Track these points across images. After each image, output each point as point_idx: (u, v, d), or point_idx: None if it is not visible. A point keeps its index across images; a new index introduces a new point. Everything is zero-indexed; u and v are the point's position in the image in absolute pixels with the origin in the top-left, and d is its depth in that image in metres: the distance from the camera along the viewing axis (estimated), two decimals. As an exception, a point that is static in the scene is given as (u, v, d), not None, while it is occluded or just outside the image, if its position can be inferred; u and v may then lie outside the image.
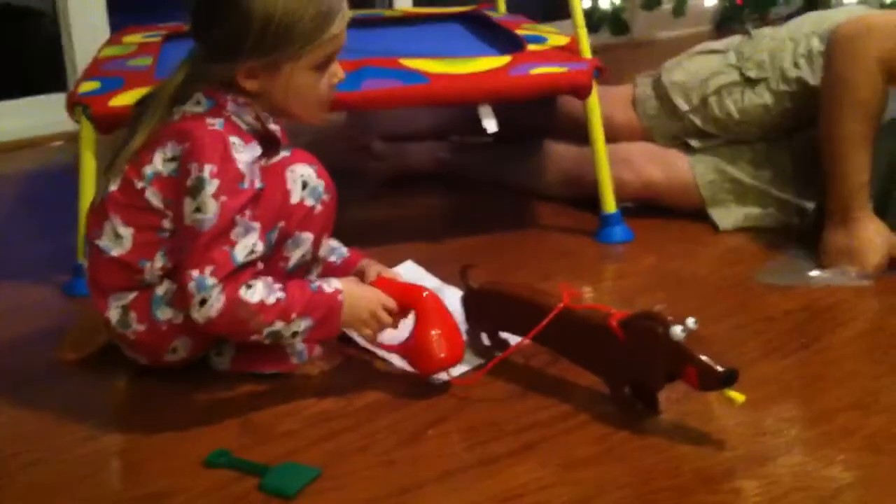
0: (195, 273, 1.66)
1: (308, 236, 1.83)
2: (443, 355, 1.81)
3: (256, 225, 1.72)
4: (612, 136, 2.54)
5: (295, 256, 1.83)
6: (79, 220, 2.15)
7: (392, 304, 1.83)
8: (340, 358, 1.94)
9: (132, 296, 1.80)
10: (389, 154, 2.93)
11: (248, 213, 1.71)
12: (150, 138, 1.77)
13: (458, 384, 1.84)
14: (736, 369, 1.62)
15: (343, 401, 1.81)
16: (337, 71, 1.82)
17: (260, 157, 1.78)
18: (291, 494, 1.55)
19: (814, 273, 2.27)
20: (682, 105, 2.62)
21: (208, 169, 1.69)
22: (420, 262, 2.23)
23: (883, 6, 4.49)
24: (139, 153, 1.77)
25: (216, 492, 1.58)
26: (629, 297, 2.22)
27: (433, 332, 1.81)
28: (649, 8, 4.55)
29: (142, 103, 1.82)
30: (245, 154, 1.73)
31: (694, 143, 2.62)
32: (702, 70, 2.63)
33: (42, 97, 3.48)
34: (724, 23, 4.74)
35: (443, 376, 1.84)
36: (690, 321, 1.64)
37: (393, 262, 2.12)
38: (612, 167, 2.49)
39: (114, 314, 1.81)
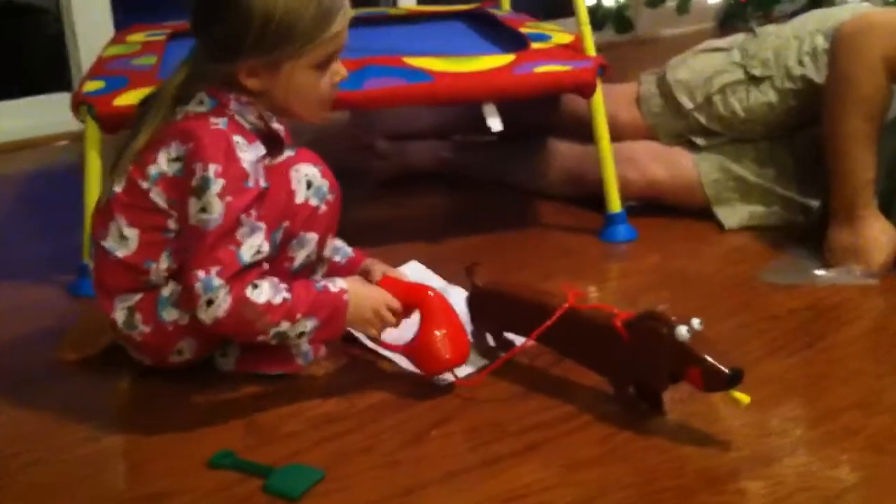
0: (201, 274, 1.66)
1: (313, 236, 1.83)
2: (448, 356, 1.81)
3: (262, 225, 1.72)
4: (616, 135, 2.53)
5: (300, 257, 1.83)
6: (84, 219, 2.15)
7: (396, 303, 1.82)
8: (345, 359, 1.94)
9: (138, 297, 1.79)
10: (392, 153, 2.93)
11: (253, 212, 1.71)
12: (153, 138, 1.76)
13: (462, 385, 1.84)
14: (741, 370, 1.61)
15: (347, 402, 1.81)
16: (339, 69, 1.81)
17: (264, 157, 1.77)
18: (296, 496, 1.55)
19: (819, 272, 2.27)
20: (687, 103, 2.62)
21: (213, 168, 1.69)
22: (423, 261, 2.22)
23: (887, 3, 4.48)
24: (143, 153, 1.77)
25: (220, 493, 1.58)
26: (633, 296, 2.22)
27: (438, 333, 1.81)
28: (653, 5, 4.55)
29: (145, 103, 1.82)
30: (249, 153, 1.73)
31: (699, 141, 2.61)
32: (706, 68, 2.63)
33: (46, 96, 3.48)
34: (728, 20, 4.73)
35: (447, 377, 1.84)
36: (695, 322, 1.64)
37: (396, 262, 2.12)
38: (616, 166, 2.48)
39: (120, 315, 1.81)
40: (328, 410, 1.79)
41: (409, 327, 1.85)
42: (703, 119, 2.60)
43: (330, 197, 1.85)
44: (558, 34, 2.71)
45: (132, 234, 1.77)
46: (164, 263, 1.77)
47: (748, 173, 2.55)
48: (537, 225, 2.63)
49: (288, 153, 1.83)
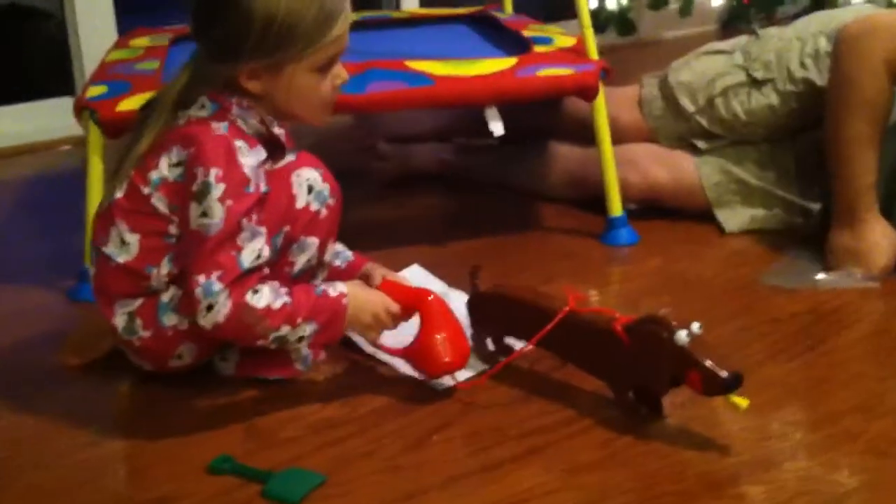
0: (202, 278, 1.66)
1: (313, 241, 1.83)
2: (448, 359, 1.81)
3: (263, 229, 1.72)
4: (618, 137, 2.53)
5: (300, 261, 1.83)
6: (85, 224, 2.15)
7: (396, 307, 1.83)
8: (345, 363, 1.94)
9: (138, 302, 1.80)
10: (394, 155, 2.93)
11: (254, 217, 1.71)
12: (155, 143, 1.77)
13: (463, 388, 1.84)
14: (740, 374, 1.61)
15: (348, 406, 1.81)
16: (340, 72, 1.82)
17: (265, 161, 1.78)
18: (296, 501, 1.55)
19: (820, 275, 2.27)
20: (688, 106, 2.62)
21: (214, 173, 1.69)
22: (424, 264, 2.23)
23: (891, 5, 4.48)
24: (144, 158, 1.77)
25: (220, 497, 1.58)
26: (635, 299, 2.22)
27: (438, 336, 1.81)
28: (656, 8, 4.55)
29: (146, 108, 1.82)
30: (250, 158, 1.73)
31: (700, 144, 2.61)
32: (708, 71, 2.62)
33: (49, 101, 3.48)
34: (731, 22, 4.73)
35: (448, 381, 1.84)
36: (695, 326, 1.64)
37: (397, 264, 2.12)
38: (617, 168, 2.48)
39: (120, 321, 1.81)
40: (329, 415, 1.79)
41: (408, 331, 1.85)
42: (704, 122, 2.60)
43: (331, 201, 1.85)
44: (561, 37, 2.72)
45: (133, 239, 1.77)
46: (164, 269, 1.77)
47: (749, 176, 2.55)
48: (539, 228, 2.63)
49: (289, 157, 1.83)
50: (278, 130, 1.82)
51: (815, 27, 2.55)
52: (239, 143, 1.73)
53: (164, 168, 1.75)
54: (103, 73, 2.48)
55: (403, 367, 1.89)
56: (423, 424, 1.76)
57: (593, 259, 2.44)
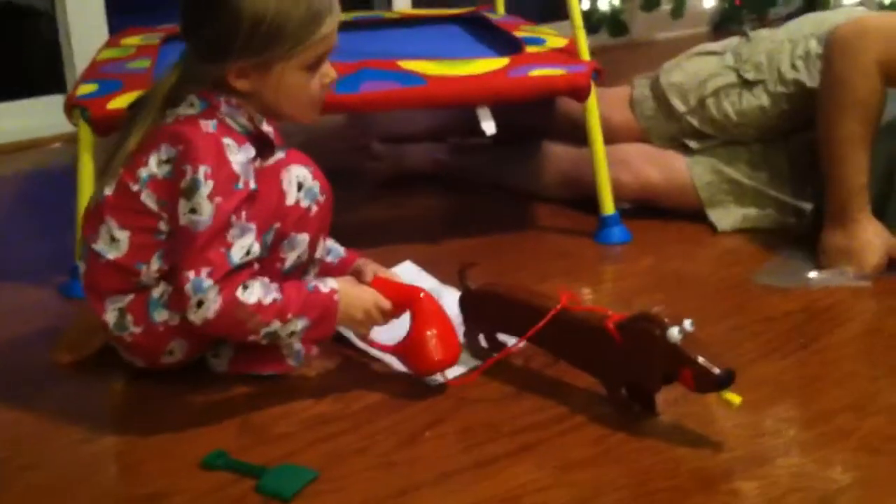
0: (191, 274, 1.66)
1: (304, 237, 1.83)
2: (438, 357, 1.81)
3: (252, 226, 1.72)
4: (610, 137, 2.53)
5: (291, 258, 1.83)
6: (76, 221, 2.15)
7: (387, 304, 1.83)
8: (338, 359, 1.94)
9: (129, 298, 1.79)
10: (388, 155, 2.94)
11: (243, 214, 1.71)
12: (144, 141, 1.77)
13: (454, 385, 1.84)
14: (733, 371, 1.62)
15: (341, 402, 1.81)
16: (328, 71, 1.82)
17: (254, 159, 1.78)
18: (288, 497, 1.55)
19: (812, 274, 2.27)
20: (680, 106, 2.62)
21: (203, 170, 1.69)
22: (418, 262, 2.23)
23: (882, 7, 4.49)
24: (133, 156, 1.77)
25: (213, 493, 1.58)
26: (628, 298, 2.22)
27: (429, 333, 1.81)
28: (648, 9, 4.56)
29: (135, 106, 1.82)
30: (239, 155, 1.73)
31: (692, 144, 2.62)
32: (700, 71, 2.63)
33: (41, 98, 3.48)
34: (723, 24, 4.74)
35: (439, 377, 1.84)
36: (687, 323, 1.64)
37: (391, 263, 2.12)
38: (610, 168, 2.49)
39: (111, 317, 1.81)
40: (322, 411, 1.79)
41: (400, 328, 1.85)
42: (695, 122, 2.61)
43: (321, 198, 1.85)
44: (553, 38, 2.72)
45: (123, 236, 1.77)
46: (155, 265, 1.77)
47: (741, 176, 2.55)
48: (533, 227, 2.63)
49: (279, 155, 1.83)
50: (267, 128, 1.82)
51: (807, 29, 2.56)
52: (227, 141, 1.73)
53: (154, 165, 1.75)
54: (94, 71, 2.48)
55: (395, 364, 1.89)
56: (416, 420, 1.76)
57: (587, 258, 2.45)
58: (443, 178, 2.92)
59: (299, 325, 1.73)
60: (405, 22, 3.18)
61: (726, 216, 2.56)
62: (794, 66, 2.51)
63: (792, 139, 2.55)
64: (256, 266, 1.73)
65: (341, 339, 1.95)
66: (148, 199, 1.76)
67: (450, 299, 1.97)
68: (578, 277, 2.33)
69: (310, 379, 1.88)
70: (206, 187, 1.69)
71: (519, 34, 2.76)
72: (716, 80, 2.59)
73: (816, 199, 2.44)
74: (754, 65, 2.56)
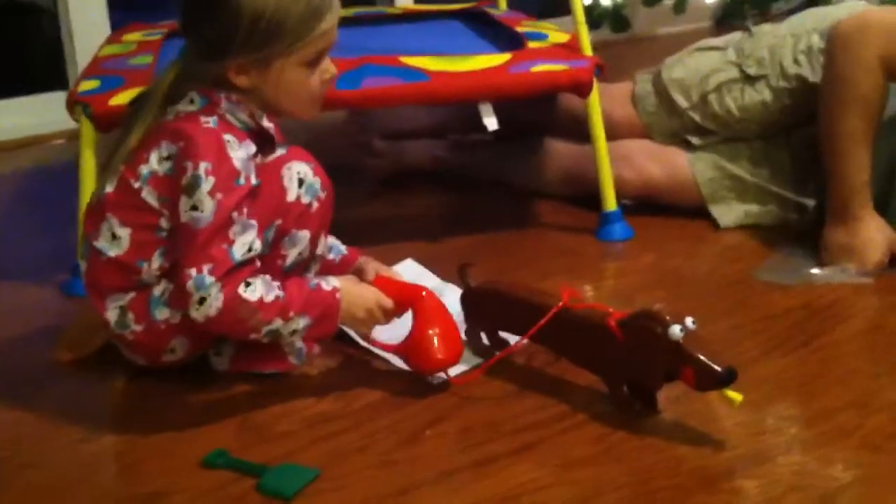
0: (193, 271, 1.66)
1: (305, 234, 1.83)
2: (441, 355, 1.81)
3: (254, 222, 1.72)
4: (611, 133, 2.53)
5: (292, 254, 1.83)
6: (78, 218, 2.15)
7: (389, 303, 1.83)
8: (340, 357, 1.94)
9: (130, 296, 1.79)
10: (389, 152, 2.93)
11: (244, 210, 1.71)
12: (144, 138, 1.77)
13: (456, 383, 1.83)
14: (734, 369, 1.61)
15: (342, 401, 1.81)
16: (328, 67, 1.82)
17: (255, 155, 1.77)
18: (289, 496, 1.55)
19: (814, 270, 2.27)
20: (682, 102, 2.62)
21: (203, 167, 1.69)
22: (420, 260, 2.23)
23: (884, 2, 4.48)
24: (134, 153, 1.77)
25: (214, 492, 1.58)
26: (629, 295, 2.22)
27: (431, 332, 1.81)
28: (650, 4, 4.55)
29: (136, 103, 1.82)
30: (240, 151, 1.73)
31: (693, 140, 2.61)
32: (701, 67, 2.62)
33: (43, 95, 3.48)
34: (725, 19, 4.73)
35: (441, 375, 1.84)
36: (689, 321, 1.64)
37: (392, 261, 2.12)
38: (612, 165, 2.48)
39: (112, 315, 1.80)
40: (323, 409, 1.79)
41: (402, 327, 1.85)
42: (698, 118, 2.60)
43: (322, 194, 1.85)
44: (555, 33, 2.72)
45: (124, 233, 1.77)
46: (156, 262, 1.77)
47: (743, 172, 2.55)
48: (534, 224, 2.63)
49: (279, 151, 1.83)
50: (268, 124, 1.82)
51: (809, 24, 2.56)
52: (228, 137, 1.73)
53: (154, 162, 1.75)
54: (96, 67, 2.48)
55: (397, 362, 1.89)
56: (417, 419, 1.76)
57: (588, 255, 2.44)
58: (444, 174, 2.91)
59: (301, 323, 1.73)
60: (407, 17, 3.17)
61: (728, 212, 2.55)
62: (796, 61, 2.50)
63: (794, 135, 2.55)
64: (258, 263, 1.73)
65: (342, 338, 1.95)
66: (149, 196, 1.75)
67: (451, 297, 1.97)
68: (580, 274, 2.33)
69: (311, 377, 1.88)
70: (208, 184, 1.68)
71: (521, 30, 2.76)
72: (718, 75, 2.59)
73: (818, 195, 2.44)
74: (756, 60, 2.55)
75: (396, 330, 1.86)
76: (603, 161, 2.47)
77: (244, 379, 1.87)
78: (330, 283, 1.78)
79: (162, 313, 1.78)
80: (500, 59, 2.44)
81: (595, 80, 2.42)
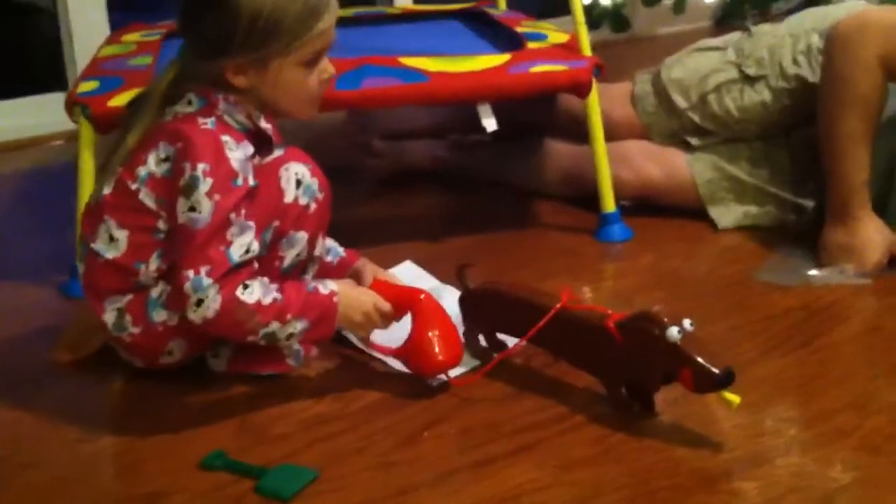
0: (191, 273, 1.66)
1: (303, 235, 1.83)
2: (441, 357, 1.81)
3: (252, 224, 1.72)
4: (611, 133, 2.53)
5: (290, 256, 1.83)
6: (77, 220, 2.15)
7: (387, 307, 1.82)
8: (338, 359, 1.94)
9: (127, 298, 1.79)
10: (388, 152, 2.93)
11: (242, 212, 1.71)
12: (142, 139, 1.77)
13: (456, 385, 1.83)
14: (732, 371, 1.61)
15: (340, 402, 1.81)
16: (326, 67, 1.82)
17: (253, 156, 1.77)
18: (287, 497, 1.55)
19: (812, 271, 2.27)
20: (681, 102, 2.62)
21: (201, 168, 1.69)
22: (419, 261, 2.23)
23: (883, 2, 4.48)
24: (132, 154, 1.77)
25: (212, 493, 1.58)
26: (628, 296, 2.22)
27: (431, 334, 1.81)
28: (650, 4, 4.55)
29: (134, 104, 1.82)
30: (238, 152, 1.73)
31: (693, 140, 2.61)
32: (701, 67, 2.62)
33: (42, 96, 3.48)
34: (725, 19, 4.73)
35: (441, 377, 1.84)
36: (687, 322, 1.64)
37: (392, 261, 2.12)
38: (610, 166, 2.48)
39: (110, 317, 1.80)
40: (321, 411, 1.79)
41: (400, 330, 1.85)
42: (697, 118, 2.60)
43: (320, 195, 1.85)
44: (554, 33, 2.72)
45: (122, 235, 1.77)
46: (153, 264, 1.77)
47: (742, 173, 2.55)
48: (534, 225, 2.63)
49: (277, 152, 1.83)
50: (266, 125, 1.82)
51: (808, 24, 2.56)
52: (226, 138, 1.73)
53: (152, 163, 1.75)
54: (95, 68, 2.48)
55: (396, 365, 1.89)
56: (416, 420, 1.76)
57: (587, 256, 2.44)
58: (443, 175, 2.91)
59: (298, 326, 1.73)
60: (406, 18, 3.17)
61: (727, 213, 2.55)
62: (795, 62, 2.50)
63: (793, 136, 2.55)
64: (256, 265, 1.73)
65: (341, 340, 1.94)
66: (146, 198, 1.75)
67: (450, 299, 1.97)
68: (579, 275, 2.33)
69: (309, 379, 1.88)
70: (205, 185, 1.68)
71: (520, 30, 2.76)
72: (717, 75, 2.59)
73: (817, 196, 2.44)
74: (756, 60, 2.55)
75: (394, 333, 1.86)
76: (602, 162, 2.47)
77: (242, 380, 1.86)
78: (327, 286, 1.78)
79: (160, 315, 1.78)
80: (499, 59, 2.44)
81: (594, 80, 2.41)
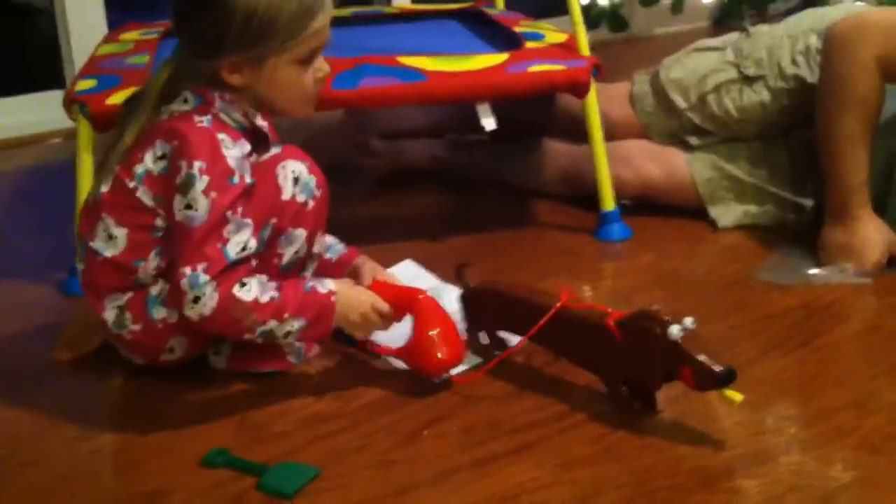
0: (188, 270, 1.66)
1: (301, 233, 1.83)
2: (442, 356, 1.80)
3: (249, 221, 1.72)
4: (609, 134, 2.53)
5: (288, 253, 1.82)
6: (75, 218, 2.15)
7: (385, 307, 1.82)
8: (338, 357, 1.94)
9: (127, 296, 1.79)
10: (387, 151, 2.93)
11: (239, 209, 1.70)
12: (139, 138, 1.77)
13: (458, 382, 1.83)
14: (734, 369, 1.61)
15: (340, 400, 1.81)
16: (322, 65, 1.82)
17: (250, 154, 1.77)
18: (289, 494, 1.55)
19: (812, 271, 2.27)
20: (680, 102, 2.62)
21: (198, 166, 1.69)
22: (418, 260, 2.22)
23: (881, 3, 4.48)
24: (129, 153, 1.77)
25: (213, 491, 1.58)
26: (628, 295, 2.22)
27: (432, 334, 1.80)
28: (647, 4, 4.56)
29: (130, 102, 1.82)
30: (234, 150, 1.73)
31: (692, 140, 2.61)
32: (700, 67, 2.62)
33: (41, 94, 3.47)
34: (723, 19, 4.74)
35: (443, 375, 1.84)
36: (688, 321, 1.64)
37: (390, 260, 2.12)
38: (610, 165, 2.48)
39: (110, 315, 1.80)
40: (321, 409, 1.79)
41: (398, 329, 1.85)
42: (696, 118, 2.60)
43: (318, 193, 1.85)
44: (552, 33, 2.72)
45: (120, 233, 1.77)
46: (152, 262, 1.77)
47: (741, 173, 2.55)
48: (532, 224, 2.63)
49: (274, 150, 1.83)
50: (262, 123, 1.82)
51: (807, 25, 2.56)
52: (222, 136, 1.73)
53: (149, 161, 1.75)
54: (93, 66, 2.48)
55: (396, 363, 1.89)
56: (416, 419, 1.75)
57: (587, 255, 2.44)
58: (441, 174, 2.91)
59: (296, 325, 1.72)
60: (404, 17, 3.17)
61: (727, 213, 2.55)
62: (794, 62, 2.50)
63: (792, 136, 2.55)
64: (254, 262, 1.73)
65: (342, 339, 1.94)
66: (144, 196, 1.75)
67: (451, 297, 1.97)
68: (579, 275, 2.33)
69: (310, 377, 1.88)
70: (202, 182, 1.68)
71: (518, 29, 2.76)
72: (716, 75, 2.59)
73: (817, 195, 2.44)
74: (755, 60, 2.55)
75: (393, 331, 1.86)
76: (601, 161, 2.47)
77: (242, 378, 1.86)
78: (326, 285, 1.77)
79: (159, 313, 1.77)
80: (497, 58, 2.44)
81: (593, 80, 2.41)
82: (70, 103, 2.22)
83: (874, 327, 2.09)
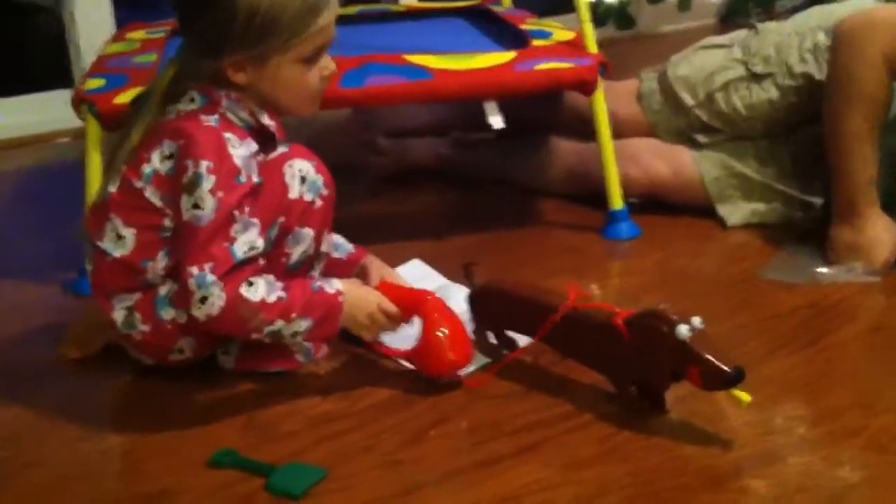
0: (195, 270, 1.66)
1: (308, 232, 1.82)
2: (451, 356, 1.80)
3: (256, 221, 1.72)
4: (617, 131, 2.52)
5: (296, 252, 1.82)
6: (84, 217, 2.15)
7: (392, 308, 1.81)
8: (346, 357, 1.93)
9: (136, 297, 1.79)
10: (392, 150, 2.92)
11: (246, 209, 1.70)
12: (146, 137, 1.76)
13: (470, 385, 1.83)
14: (742, 369, 1.60)
15: (347, 400, 1.81)
16: (327, 63, 1.81)
17: (257, 153, 1.77)
18: (297, 495, 1.55)
19: (820, 269, 2.26)
20: (688, 100, 2.61)
21: (204, 165, 1.69)
22: (424, 259, 2.22)
23: (889, 0, 4.47)
24: (136, 152, 1.77)
25: (221, 491, 1.58)
26: (635, 294, 2.21)
27: (440, 334, 1.80)
28: (655, 2, 4.55)
29: (136, 102, 1.82)
30: (241, 149, 1.73)
31: (699, 138, 2.60)
32: (707, 65, 2.62)
33: (47, 93, 3.47)
34: (730, 17, 4.72)
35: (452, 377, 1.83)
36: (696, 320, 1.63)
37: (396, 259, 2.12)
38: (618, 164, 2.48)
39: (119, 315, 1.80)
40: (328, 409, 1.78)
41: (409, 335, 1.84)
42: (704, 116, 2.60)
43: (325, 192, 1.84)
44: (559, 31, 2.71)
45: (129, 233, 1.77)
46: (161, 262, 1.77)
47: (749, 171, 2.54)
48: (539, 223, 2.62)
49: (281, 149, 1.83)
50: (269, 122, 1.82)
51: (814, 22, 2.55)
52: (229, 136, 1.73)
53: (157, 161, 1.75)
54: (101, 66, 2.48)
55: (404, 363, 1.89)
56: (422, 419, 1.75)
57: (594, 253, 2.43)
58: (447, 172, 2.90)
59: (303, 325, 1.72)
60: (410, 15, 3.16)
61: (735, 211, 2.54)
62: (802, 59, 2.50)
63: (799, 133, 2.54)
64: (262, 262, 1.72)
65: (350, 339, 1.94)
66: (152, 196, 1.75)
67: (458, 297, 1.96)
68: (586, 274, 2.32)
69: (318, 376, 1.88)
70: (208, 182, 1.68)
71: (525, 27, 2.75)
72: (724, 73, 2.58)
73: (824, 193, 2.43)
74: (763, 58, 2.55)
75: (402, 334, 1.85)
76: (609, 159, 2.46)
77: (249, 378, 1.86)
78: (333, 285, 1.77)
79: (168, 313, 1.77)
80: (504, 56, 2.44)
81: (600, 78, 2.41)
82: (79, 102, 2.22)
83: (883, 326, 2.08)
